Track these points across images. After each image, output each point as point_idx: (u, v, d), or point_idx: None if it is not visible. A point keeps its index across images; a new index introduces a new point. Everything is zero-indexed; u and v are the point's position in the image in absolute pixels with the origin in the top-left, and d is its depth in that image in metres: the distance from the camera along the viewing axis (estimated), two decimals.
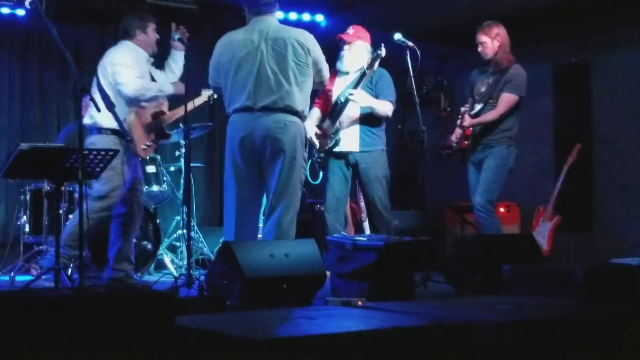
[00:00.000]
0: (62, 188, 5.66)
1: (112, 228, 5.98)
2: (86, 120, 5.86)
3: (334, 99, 6.40)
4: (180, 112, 6.11)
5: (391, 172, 6.55)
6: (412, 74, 6.04)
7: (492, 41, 6.46)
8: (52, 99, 8.22)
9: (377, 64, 6.20)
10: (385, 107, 6.35)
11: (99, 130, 5.89)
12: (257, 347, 2.68)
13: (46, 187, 6.42)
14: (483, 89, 6.53)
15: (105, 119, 5.70)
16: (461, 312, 3.93)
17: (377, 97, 6.33)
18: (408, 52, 6.03)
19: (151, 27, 6.17)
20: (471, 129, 6.48)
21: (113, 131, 5.83)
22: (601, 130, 7.55)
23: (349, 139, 6.37)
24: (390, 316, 3.79)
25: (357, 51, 6.43)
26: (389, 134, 6.71)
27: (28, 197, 6.75)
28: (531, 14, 7.12)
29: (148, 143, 6.00)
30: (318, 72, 5.56)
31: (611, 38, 7.41)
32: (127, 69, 5.88)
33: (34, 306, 2.79)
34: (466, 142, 6.53)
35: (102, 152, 5.49)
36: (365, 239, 5.45)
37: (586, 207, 7.60)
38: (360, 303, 4.40)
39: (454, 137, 6.62)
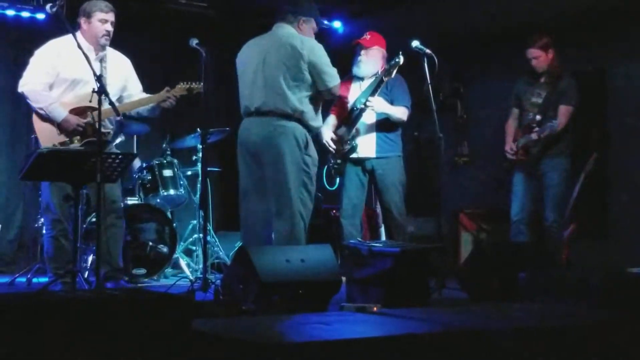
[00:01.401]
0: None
1: None
2: None
3: (349, 105, 6.42)
4: (129, 106, 5.94)
5: (407, 179, 6.55)
6: (429, 81, 6.04)
7: (545, 53, 6.64)
8: None
9: (395, 71, 6.20)
10: (400, 113, 6.37)
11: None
12: (272, 352, 2.69)
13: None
14: (535, 99, 6.70)
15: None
16: (476, 319, 3.92)
17: (392, 102, 6.36)
18: (425, 59, 6.04)
19: (98, 17, 5.84)
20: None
21: None
22: (617, 139, 7.52)
23: (366, 145, 6.39)
24: (405, 322, 3.79)
25: (374, 57, 6.46)
26: (406, 141, 6.71)
27: None
28: (547, 22, 7.10)
29: (64, 141, 5.70)
30: (319, 78, 5.58)
31: (627, 47, 7.38)
32: (33, 66, 5.78)
33: (51, 308, 2.81)
34: (522, 153, 6.71)
35: (121, 156, 5.50)
36: (381, 245, 5.45)
37: (602, 216, 7.56)
38: (375, 309, 4.40)
39: (508, 149, 6.77)
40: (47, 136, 5.72)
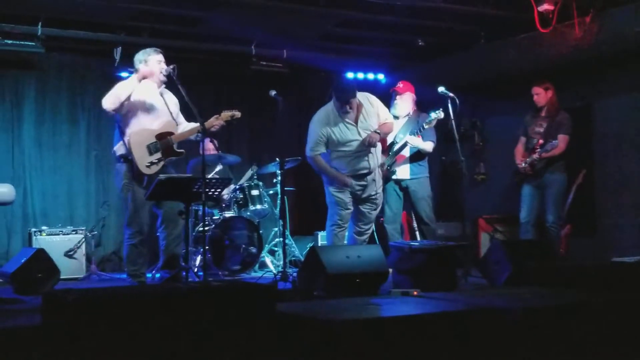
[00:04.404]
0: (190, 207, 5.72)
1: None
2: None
3: (389, 139, 6.44)
4: (186, 134, 5.60)
5: (437, 193, 6.57)
6: (452, 117, 6.03)
7: (545, 92, 6.64)
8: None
9: (434, 122, 6.26)
10: (428, 147, 6.46)
11: (118, 158, 5.51)
12: (338, 327, 2.70)
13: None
14: (537, 129, 6.69)
15: (119, 148, 5.49)
16: (494, 300, 3.88)
17: (422, 137, 6.39)
18: (449, 101, 6.03)
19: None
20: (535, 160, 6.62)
21: (124, 158, 5.46)
22: (600, 159, 7.41)
23: (403, 170, 6.46)
24: (439, 303, 3.76)
25: (406, 100, 6.55)
26: (435, 163, 6.69)
27: None
28: (543, 71, 7.04)
29: (153, 160, 5.43)
30: None
31: (608, 86, 7.27)
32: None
33: (170, 296, 2.86)
34: (529, 169, 6.65)
35: (220, 180, 5.55)
36: (418, 243, 5.42)
37: (591, 218, 7.42)
38: (415, 293, 4.38)
39: (521, 165, 6.71)
40: (140, 158, 5.42)
